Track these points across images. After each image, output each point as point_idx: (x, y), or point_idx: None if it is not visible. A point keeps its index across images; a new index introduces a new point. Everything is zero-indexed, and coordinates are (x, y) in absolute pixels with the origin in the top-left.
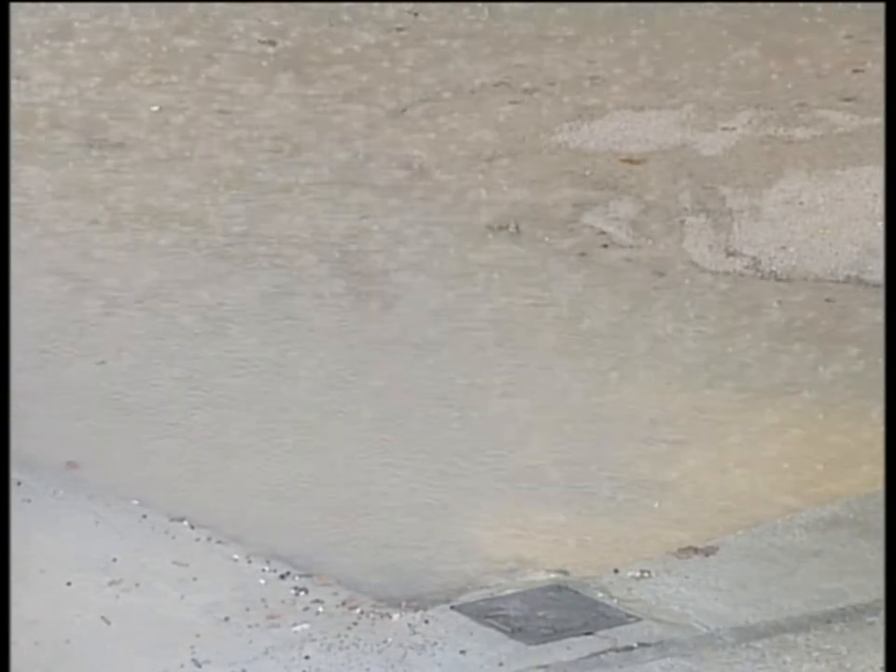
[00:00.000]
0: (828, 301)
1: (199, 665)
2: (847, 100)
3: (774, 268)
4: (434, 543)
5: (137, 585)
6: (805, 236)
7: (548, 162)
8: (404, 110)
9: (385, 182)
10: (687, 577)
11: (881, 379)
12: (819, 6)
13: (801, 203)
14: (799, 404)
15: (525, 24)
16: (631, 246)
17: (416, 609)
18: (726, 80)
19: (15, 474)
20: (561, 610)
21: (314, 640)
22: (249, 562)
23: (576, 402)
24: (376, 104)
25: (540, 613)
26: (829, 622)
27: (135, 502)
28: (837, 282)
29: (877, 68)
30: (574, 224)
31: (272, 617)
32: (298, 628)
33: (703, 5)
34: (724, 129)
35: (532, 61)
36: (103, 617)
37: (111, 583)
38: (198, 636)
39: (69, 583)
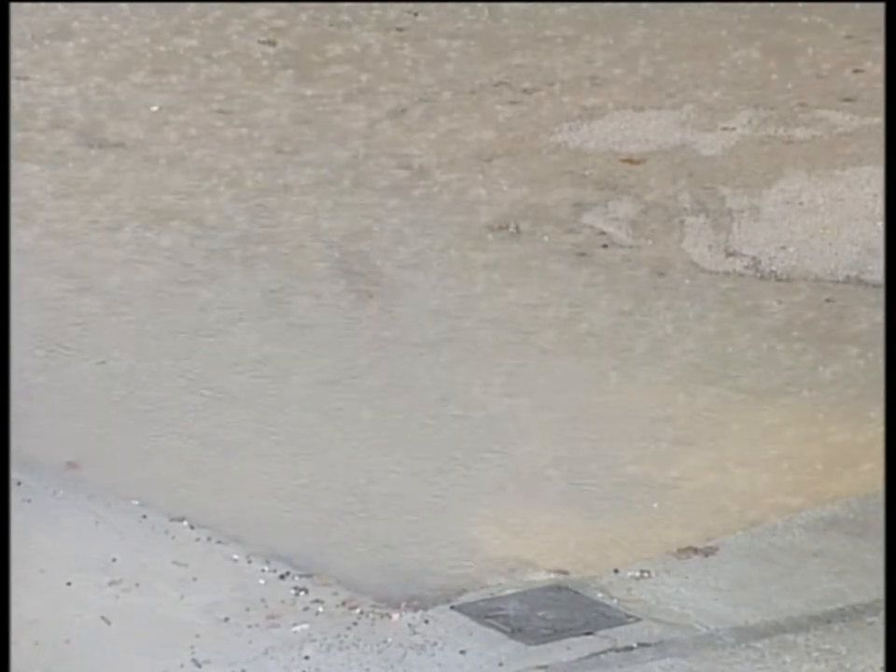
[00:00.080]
0: (828, 301)
1: (199, 665)
2: (847, 100)
3: (774, 268)
4: (434, 543)
5: (137, 585)
6: (805, 236)
7: (548, 162)
8: (404, 110)
9: (385, 182)
10: (687, 577)
11: (881, 379)
12: (819, 6)
13: (801, 204)
14: (799, 404)
15: (525, 24)
16: (631, 246)
17: (416, 609)
18: (726, 80)
19: (15, 474)
20: (561, 610)
21: (313, 640)
22: (249, 562)
23: (576, 402)
24: (376, 104)
25: (540, 613)
26: (829, 622)
27: (135, 502)
28: (837, 282)
29: (877, 68)
30: (574, 224)
31: (271, 617)
32: (298, 628)
33: (703, 5)
34: (724, 129)
35: (532, 61)
36: (103, 617)
37: (111, 583)
38: (198, 636)
39: (69, 583)
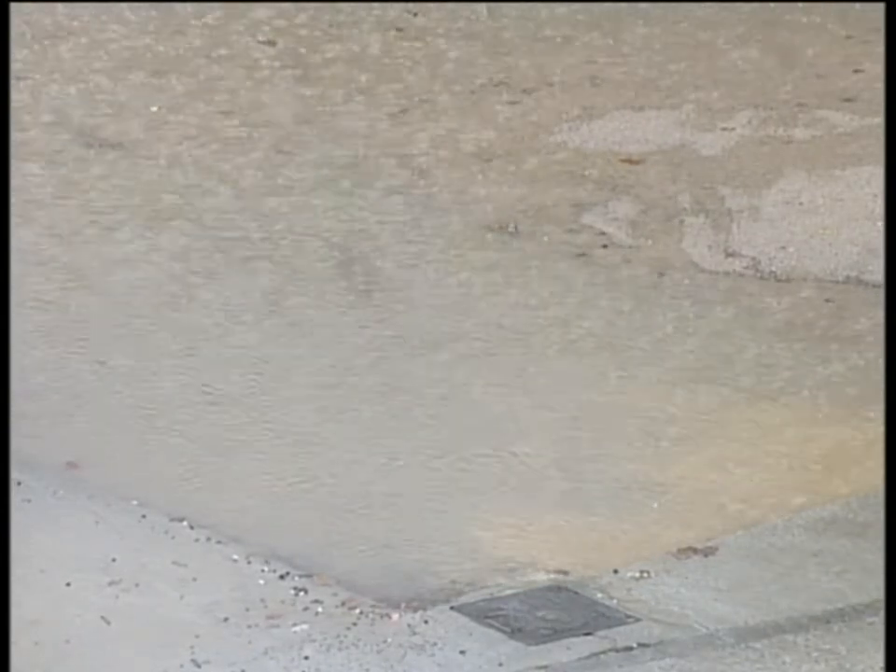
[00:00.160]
0: (828, 301)
1: (198, 666)
2: (847, 100)
3: (773, 268)
4: (434, 543)
5: (137, 585)
6: (805, 236)
7: (548, 162)
8: (404, 110)
9: (384, 182)
10: (686, 577)
11: (881, 379)
12: (819, 6)
13: (800, 204)
14: (799, 404)
15: (525, 24)
16: (631, 246)
17: (416, 610)
18: (726, 80)
19: (15, 474)
20: (561, 611)
21: (313, 641)
22: (249, 562)
23: (576, 402)
24: (376, 104)
25: (540, 614)
26: (829, 622)
27: (135, 502)
28: (837, 282)
29: (877, 68)
30: (574, 224)
31: (271, 617)
32: (297, 628)
33: (703, 5)
34: (724, 129)
35: (532, 61)
36: (103, 617)
37: (111, 583)
38: (197, 636)
39: (69, 583)
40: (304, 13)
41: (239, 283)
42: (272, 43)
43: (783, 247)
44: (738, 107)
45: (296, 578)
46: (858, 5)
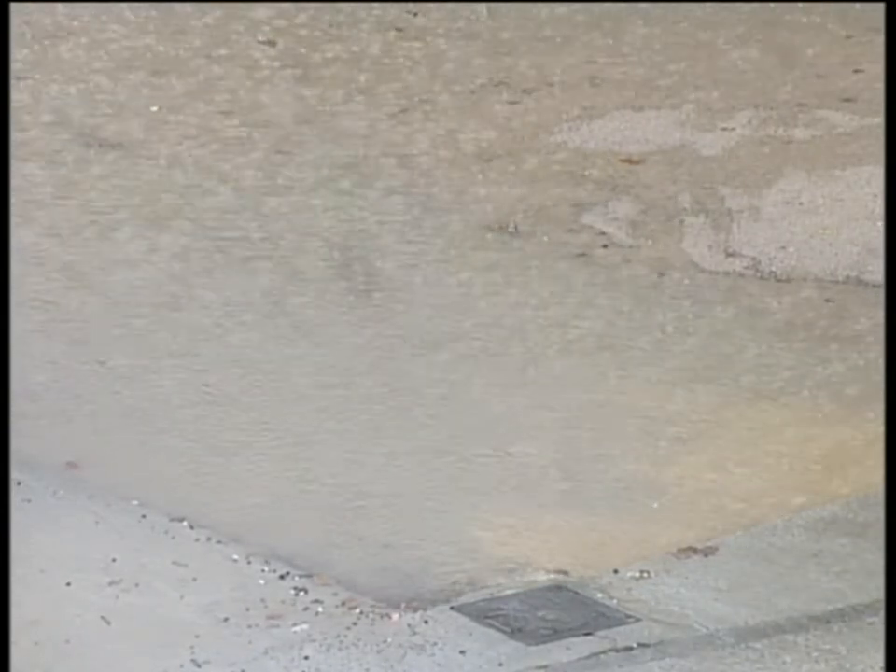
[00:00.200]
0: (828, 301)
1: (198, 666)
2: (847, 100)
3: (773, 268)
4: (434, 543)
5: (137, 585)
6: (805, 236)
7: (548, 162)
8: (404, 110)
9: (384, 182)
10: (686, 577)
11: (881, 379)
12: (819, 6)
13: (800, 204)
14: (799, 404)
15: (525, 24)
16: (631, 246)
17: (416, 610)
18: (725, 80)
19: (15, 474)
20: (561, 611)
21: (313, 640)
22: (249, 562)
23: (576, 402)
24: (376, 104)
25: (540, 614)
26: (828, 622)
27: (135, 502)
28: (837, 282)
29: (877, 68)
30: (574, 224)
31: (271, 617)
32: (297, 628)
33: (702, 5)
34: (724, 129)
35: (532, 61)
36: (103, 617)
37: (111, 583)
38: (197, 636)
39: (69, 583)
40: (304, 13)
41: (239, 283)
42: (272, 43)
43: (783, 247)
44: (738, 107)
45: (296, 578)
46: (858, 5)
